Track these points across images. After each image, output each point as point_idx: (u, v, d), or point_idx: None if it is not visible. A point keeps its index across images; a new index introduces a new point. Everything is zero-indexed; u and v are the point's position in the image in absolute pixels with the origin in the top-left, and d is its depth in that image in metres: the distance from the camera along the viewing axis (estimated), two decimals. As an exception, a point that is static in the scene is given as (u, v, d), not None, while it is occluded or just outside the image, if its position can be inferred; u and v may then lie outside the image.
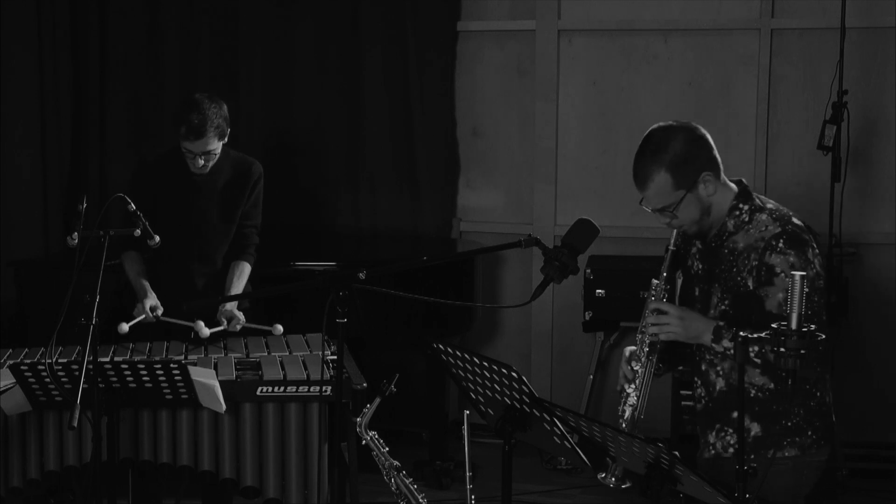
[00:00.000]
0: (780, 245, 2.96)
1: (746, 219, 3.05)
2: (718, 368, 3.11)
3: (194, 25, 6.26)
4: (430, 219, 6.15)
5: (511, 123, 6.15)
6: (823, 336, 2.54)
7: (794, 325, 2.49)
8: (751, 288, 2.99)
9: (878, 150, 5.68)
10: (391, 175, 6.18)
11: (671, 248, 3.09)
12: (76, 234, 3.64)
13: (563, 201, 6.08)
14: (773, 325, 2.53)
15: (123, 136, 6.33)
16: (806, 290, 2.88)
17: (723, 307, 3.07)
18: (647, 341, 3.06)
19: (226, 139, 4.22)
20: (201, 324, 4.08)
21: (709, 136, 3.06)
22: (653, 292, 3.09)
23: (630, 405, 3.08)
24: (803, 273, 2.50)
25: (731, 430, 3.11)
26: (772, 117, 5.75)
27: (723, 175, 3.09)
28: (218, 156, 4.21)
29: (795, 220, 3.04)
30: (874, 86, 5.65)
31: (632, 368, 3.10)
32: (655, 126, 3.08)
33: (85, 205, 3.67)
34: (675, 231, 3.09)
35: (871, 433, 5.63)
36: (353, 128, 6.18)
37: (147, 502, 4.27)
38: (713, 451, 3.15)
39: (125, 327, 4.05)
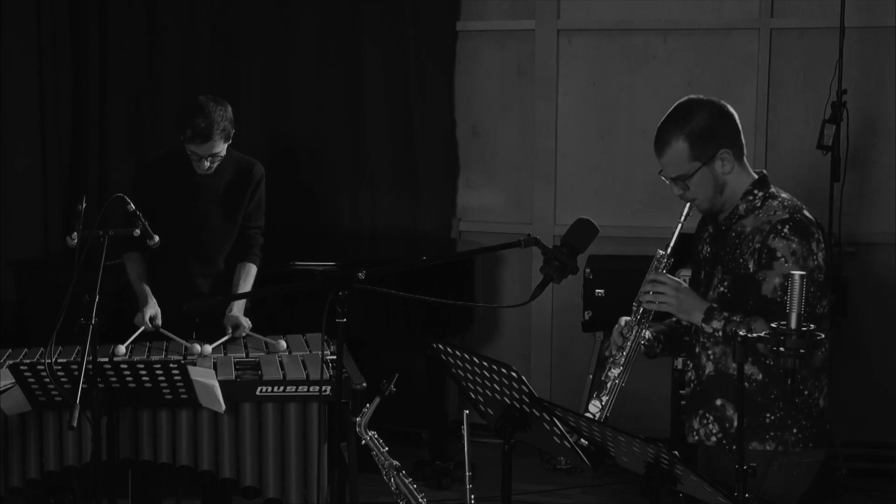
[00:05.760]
0: (786, 231, 2.96)
1: (758, 204, 3.07)
2: (710, 352, 3.11)
3: (194, 26, 6.26)
4: (429, 219, 6.15)
5: (511, 123, 6.15)
6: (823, 335, 2.53)
7: (793, 325, 2.48)
8: (751, 270, 3.00)
9: (877, 150, 5.68)
10: (391, 175, 6.18)
11: (681, 221, 3.09)
12: (76, 234, 3.63)
13: (562, 201, 6.07)
14: (772, 325, 2.53)
15: (123, 137, 6.34)
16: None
17: (721, 289, 3.08)
18: (641, 310, 3.09)
19: (230, 140, 4.22)
20: (207, 346, 4.06)
21: (737, 118, 3.09)
22: (655, 263, 3.11)
23: (615, 372, 3.10)
24: (803, 273, 2.48)
25: (712, 419, 3.11)
26: (771, 117, 5.75)
27: (745, 160, 3.11)
28: (223, 157, 4.21)
29: (806, 213, 3.05)
30: (874, 86, 5.65)
31: (623, 336, 3.11)
32: (687, 97, 3.11)
33: (85, 205, 3.67)
34: (687, 204, 3.10)
35: (871, 433, 5.64)
36: (353, 128, 6.18)
37: (147, 502, 4.26)
38: (696, 437, 3.17)
39: (122, 349, 4.01)
